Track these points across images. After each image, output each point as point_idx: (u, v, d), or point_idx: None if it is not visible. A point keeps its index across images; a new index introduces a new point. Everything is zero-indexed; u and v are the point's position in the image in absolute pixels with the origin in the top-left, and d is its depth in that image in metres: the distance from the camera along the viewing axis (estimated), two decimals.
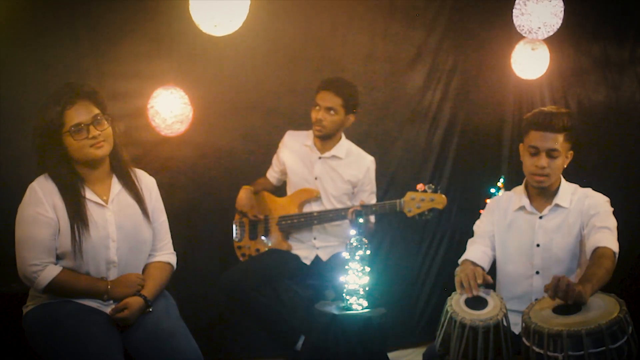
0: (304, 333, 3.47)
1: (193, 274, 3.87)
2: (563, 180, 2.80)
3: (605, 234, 2.61)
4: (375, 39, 4.33)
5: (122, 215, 2.57)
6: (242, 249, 3.76)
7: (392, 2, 4.34)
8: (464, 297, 2.53)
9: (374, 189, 3.73)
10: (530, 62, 4.29)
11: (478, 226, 2.92)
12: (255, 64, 4.02)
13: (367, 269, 3.04)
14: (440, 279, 4.49)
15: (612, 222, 2.67)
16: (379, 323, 3.05)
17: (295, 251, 3.70)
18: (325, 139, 3.66)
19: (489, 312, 2.44)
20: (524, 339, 2.38)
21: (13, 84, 3.34)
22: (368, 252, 3.05)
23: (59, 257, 2.50)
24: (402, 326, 4.36)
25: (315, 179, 3.68)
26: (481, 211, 2.97)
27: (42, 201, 2.46)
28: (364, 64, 4.31)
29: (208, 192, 4.00)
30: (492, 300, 2.51)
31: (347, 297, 3.05)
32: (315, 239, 3.70)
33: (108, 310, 2.52)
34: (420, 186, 3.52)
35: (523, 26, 4.02)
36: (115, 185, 2.60)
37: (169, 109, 3.50)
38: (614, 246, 2.58)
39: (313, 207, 3.68)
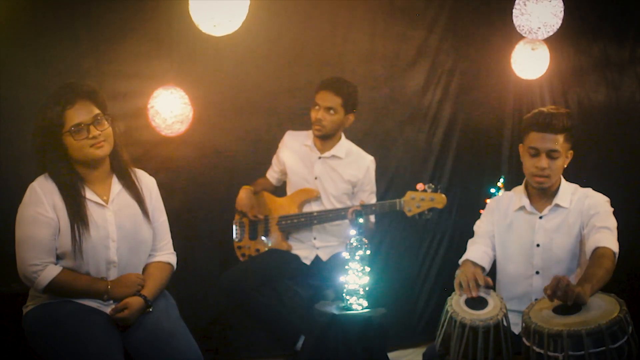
0: (304, 333, 3.47)
1: (193, 274, 3.87)
2: (563, 180, 2.79)
3: (605, 234, 2.60)
4: (375, 39, 4.33)
5: (122, 215, 2.57)
6: (242, 249, 3.76)
7: (392, 2, 4.34)
8: (464, 297, 2.53)
9: (374, 188, 3.73)
10: (530, 62, 4.29)
11: (478, 226, 2.91)
12: (255, 64, 4.01)
13: (367, 269, 3.04)
14: (440, 279, 4.49)
15: (612, 222, 2.67)
16: (379, 323, 3.05)
17: (295, 251, 3.70)
18: (325, 139, 3.66)
19: (489, 312, 2.44)
20: (524, 339, 2.38)
21: (13, 84, 3.35)
22: (368, 252, 3.05)
23: (59, 257, 2.49)
24: (402, 326, 4.36)
25: (315, 178, 3.69)
26: (481, 211, 2.97)
27: (42, 201, 2.46)
28: (364, 64, 4.31)
29: (208, 192, 4.00)
30: (492, 300, 2.51)
31: (347, 297, 3.06)
32: (315, 239, 3.70)
33: (108, 310, 2.52)
34: (420, 186, 3.52)
35: (523, 26, 4.03)
36: (116, 185, 2.60)
37: (169, 109, 3.51)
38: (614, 246, 2.58)
39: (313, 207, 3.68)
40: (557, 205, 2.76)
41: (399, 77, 4.43)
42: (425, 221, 3.69)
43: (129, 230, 2.57)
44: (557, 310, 2.38)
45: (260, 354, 4.06)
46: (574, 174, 2.86)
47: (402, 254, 4.49)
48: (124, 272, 2.57)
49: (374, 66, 4.35)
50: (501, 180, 4.09)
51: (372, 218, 3.67)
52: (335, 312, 3.06)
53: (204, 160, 3.99)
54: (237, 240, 3.78)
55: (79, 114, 2.46)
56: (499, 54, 4.49)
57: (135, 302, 2.52)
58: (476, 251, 2.82)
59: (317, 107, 3.59)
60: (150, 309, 2.56)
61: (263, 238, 3.74)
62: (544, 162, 2.67)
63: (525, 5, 3.98)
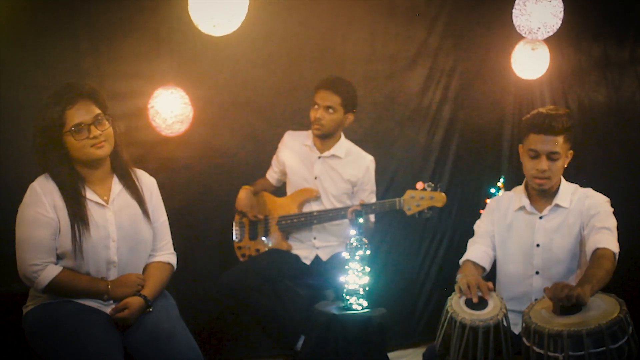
0: (304, 333, 3.47)
1: (193, 274, 3.87)
2: (563, 180, 2.79)
3: (605, 235, 2.60)
4: (375, 39, 4.33)
5: (123, 215, 2.57)
6: (242, 249, 3.76)
7: (392, 2, 4.34)
8: (464, 297, 2.53)
9: (374, 188, 3.73)
10: (530, 62, 4.29)
11: (478, 226, 2.91)
12: (255, 64, 4.02)
13: (367, 269, 3.04)
14: (440, 279, 4.49)
15: (612, 223, 2.66)
16: (378, 323, 3.05)
17: (295, 251, 3.70)
18: (325, 139, 3.66)
19: (489, 312, 2.44)
20: (524, 339, 2.38)
21: (13, 84, 3.35)
22: (368, 252, 3.05)
23: (59, 257, 2.49)
24: (402, 326, 4.36)
25: (315, 178, 3.69)
26: (481, 211, 2.97)
27: (43, 201, 2.46)
28: (364, 64, 4.31)
29: (208, 192, 4.00)
30: (492, 301, 2.51)
31: (347, 297, 3.05)
32: (315, 238, 3.70)
33: (108, 310, 2.52)
34: (419, 184, 3.53)
35: (523, 26, 4.02)
36: (116, 185, 2.60)
37: (169, 109, 3.51)
38: (614, 247, 2.58)
39: (313, 207, 3.68)
40: (557, 206, 2.76)
41: (399, 77, 4.43)
42: (425, 220, 3.69)
43: (129, 231, 2.57)
44: (557, 311, 2.38)
45: (260, 354, 4.06)
46: (574, 174, 2.86)
47: (402, 254, 4.49)
48: (124, 272, 2.57)
49: (374, 66, 4.35)
50: (501, 180, 4.09)
51: (372, 218, 3.67)
52: (335, 312, 3.06)
53: (204, 160, 3.98)
54: (237, 240, 3.78)
55: (80, 113, 2.46)
56: (499, 54, 4.49)
57: (135, 302, 2.52)
58: (476, 251, 2.81)
59: (316, 107, 3.60)
60: (150, 309, 2.56)
61: (263, 238, 3.74)
62: (544, 164, 2.67)
63: (525, 5, 3.98)
